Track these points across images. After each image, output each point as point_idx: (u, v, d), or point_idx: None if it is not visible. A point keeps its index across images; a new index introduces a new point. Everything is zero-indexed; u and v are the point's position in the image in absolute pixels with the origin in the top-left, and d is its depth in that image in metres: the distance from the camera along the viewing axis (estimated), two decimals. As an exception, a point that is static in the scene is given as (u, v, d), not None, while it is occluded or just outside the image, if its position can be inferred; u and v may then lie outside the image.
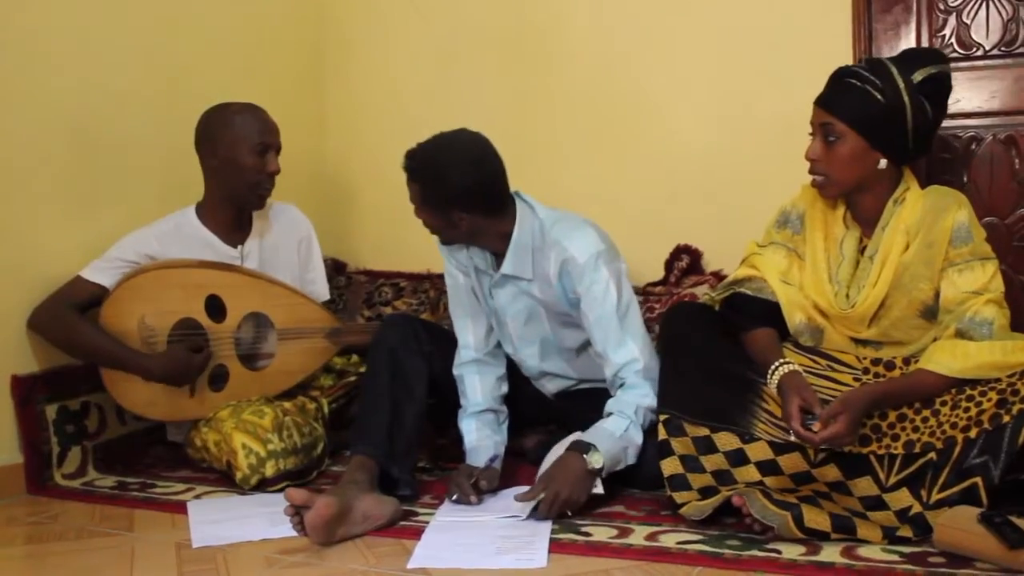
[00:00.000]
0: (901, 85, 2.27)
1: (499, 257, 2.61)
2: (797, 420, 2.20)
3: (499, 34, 3.52)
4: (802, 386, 2.26)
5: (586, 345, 2.67)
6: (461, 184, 2.47)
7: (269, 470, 2.61)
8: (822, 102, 2.34)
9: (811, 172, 2.36)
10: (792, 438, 2.24)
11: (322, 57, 3.82)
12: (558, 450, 2.44)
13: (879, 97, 2.26)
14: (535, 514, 2.32)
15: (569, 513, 2.32)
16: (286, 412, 2.75)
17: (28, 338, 2.77)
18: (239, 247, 2.93)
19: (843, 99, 2.29)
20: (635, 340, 2.50)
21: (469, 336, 2.70)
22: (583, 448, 2.37)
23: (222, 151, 2.82)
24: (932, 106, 2.31)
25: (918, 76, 2.29)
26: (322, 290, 3.08)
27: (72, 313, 2.74)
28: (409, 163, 2.52)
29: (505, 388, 2.72)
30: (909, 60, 2.34)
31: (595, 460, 2.36)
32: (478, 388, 2.66)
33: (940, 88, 2.33)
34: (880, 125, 2.27)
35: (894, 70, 2.29)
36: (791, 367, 2.31)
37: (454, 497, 2.44)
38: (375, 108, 3.76)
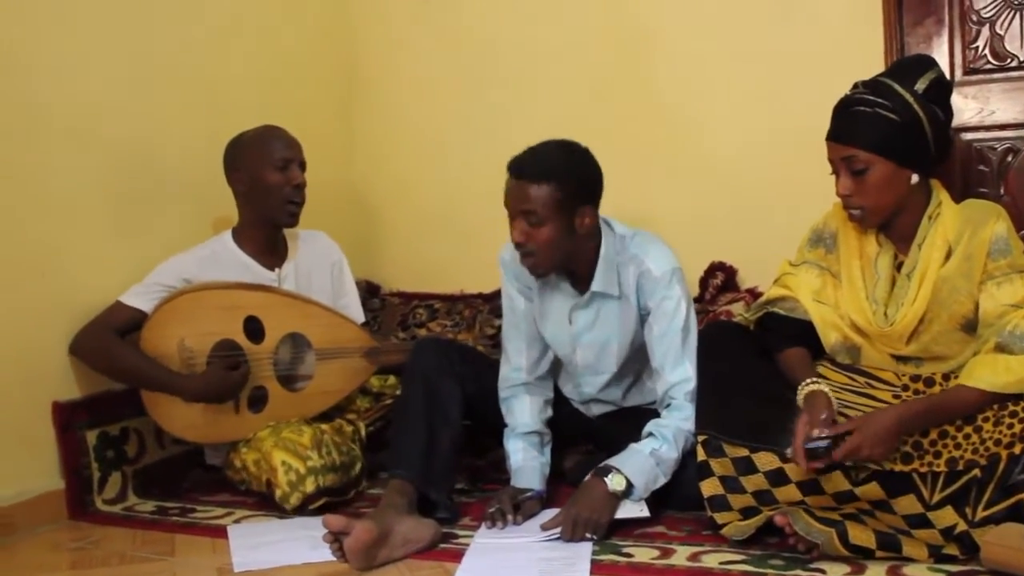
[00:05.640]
0: (910, 98, 2.25)
1: (578, 282, 2.59)
2: (800, 439, 2.17)
3: (526, 57, 3.53)
4: (817, 405, 2.24)
5: (642, 376, 2.68)
6: (595, 172, 2.49)
7: (309, 486, 2.62)
8: (837, 136, 2.30)
9: (847, 208, 2.34)
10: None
11: (351, 85, 3.85)
12: (587, 477, 2.45)
13: (894, 116, 2.23)
14: (560, 535, 2.34)
15: (594, 536, 2.32)
16: (324, 431, 2.76)
17: (70, 364, 2.80)
18: (276, 271, 2.96)
19: (859, 128, 2.26)
20: (691, 361, 2.51)
21: (522, 359, 2.69)
22: (605, 472, 2.39)
23: (247, 175, 2.87)
24: (940, 109, 2.29)
25: (921, 85, 2.27)
26: (356, 314, 3.09)
27: (112, 337, 2.77)
28: (539, 163, 2.43)
29: (550, 412, 2.71)
30: (904, 72, 2.32)
31: (616, 483, 2.37)
32: (527, 410, 2.66)
33: (943, 91, 2.32)
34: (903, 143, 2.25)
35: (897, 86, 2.26)
36: (815, 386, 2.29)
37: (488, 523, 2.44)
38: (402, 134, 3.79)
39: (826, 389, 2.29)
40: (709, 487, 2.30)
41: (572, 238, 2.48)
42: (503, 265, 2.69)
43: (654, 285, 2.53)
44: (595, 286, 2.56)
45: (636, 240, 2.59)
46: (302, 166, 2.92)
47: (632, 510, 2.40)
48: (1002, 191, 2.93)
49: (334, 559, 2.23)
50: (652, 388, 2.60)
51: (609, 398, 2.73)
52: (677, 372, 2.51)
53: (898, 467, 2.22)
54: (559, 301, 2.63)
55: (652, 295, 2.54)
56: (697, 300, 3.17)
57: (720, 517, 2.28)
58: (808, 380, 2.31)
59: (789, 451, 2.21)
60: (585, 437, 2.83)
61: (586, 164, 2.50)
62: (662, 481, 2.44)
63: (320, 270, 3.05)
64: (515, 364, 2.69)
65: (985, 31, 2.96)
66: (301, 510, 2.63)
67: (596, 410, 2.77)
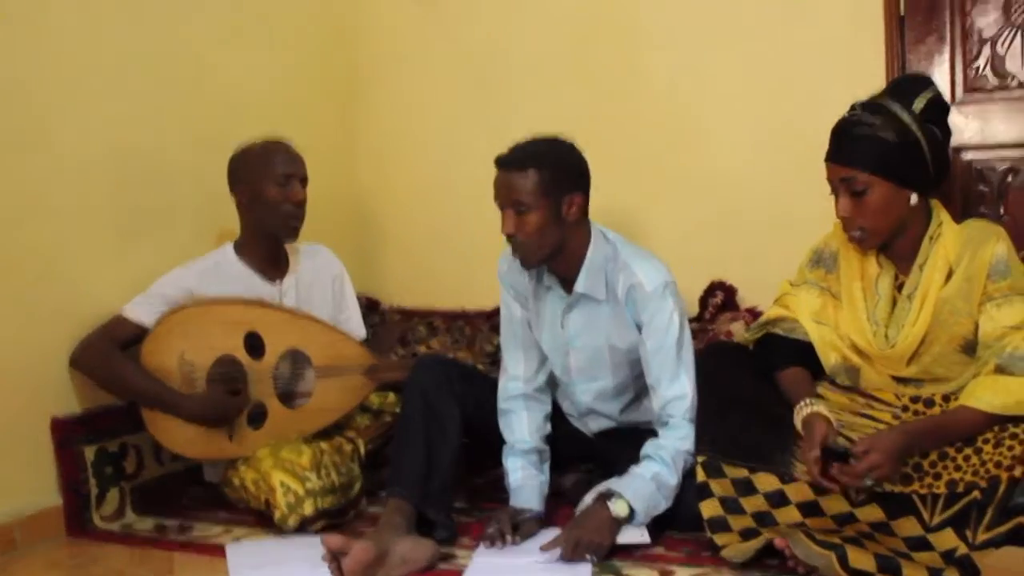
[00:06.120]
0: (907, 119, 2.25)
1: (567, 284, 2.59)
2: (816, 467, 2.18)
3: (531, 70, 3.54)
4: (816, 430, 2.24)
5: (641, 396, 2.67)
6: (579, 161, 2.53)
7: (307, 509, 2.62)
8: (836, 158, 2.30)
9: (847, 230, 2.34)
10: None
11: (353, 97, 3.85)
12: (587, 499, 2.45)
13: (892, 137, 2.24)
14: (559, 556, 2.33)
15: (594, 558, 2.31)
16: (323, 452, 2.75)
17: (69, 379, 2.80)
18: (277, 284, 2.96)
19: (857, 150, 2.26)
20: (688, 376, 2.50)
21: (520, 368, 2.69)
22: (607, 496, 2.39)
23: (248, 188, 2.87)
24: (938, 128, 2.30)
25: (919, 104, 2.27)
26: (357, 328, 3.09)
27: (113, 351, 2.76)
28: (522, 153, 2.50)
29: (549, 427, 2.71)
30: (901, 92, 2.32)
31: (619, 508, 2.37)
32: (525, 425, 2.65)
33: (941, 110, 2.32)
34: (901, 163, 2.25)
35: (895, 106, 2.27)
36: (811, 408, 2.29)
37: (486, 542, 2.43)
38: (405, 147, 3.78)
39: (823, 410, 2.29)
40: (709, 508, 2.30)
41: (560, 226, 2.49)
42: (500, 276, 2.70)
43: (646, 299, 2.52)
44: (578, 287, 2.56)
45: (628, 250, 2.59)
46: (303, 182, 2.92)
47: (633, 535, 2.39)
48: (1002, 211, 2.93)
49: (333, 579, 2.23)
50: (650, 408, 2.59)
51: (606, 411, 2.72)
52: (674, 387, 2.50)
53: (898, 488, 2.22)
54: (551, 306, 2.64)
55: (644, 309, 2.53)
56: (696, 319, 3.17)
57: (720, 538, 2.27)
58: (804, 401, 2.31)
59: (801, 474, 2.22)
60: (584, 457, 2.82)
61: (569, 152, 2.54)
62: (663, 507, 2.43)
63: (321, 284, 3.05)
64: (513, 374, 2.69)
65: (986, 50, 2.97)
66: (300, 531, 2.62)
67: (594, 425, 2.76)
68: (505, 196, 2.49)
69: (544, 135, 2.56)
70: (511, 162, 2.49)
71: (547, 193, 2.46)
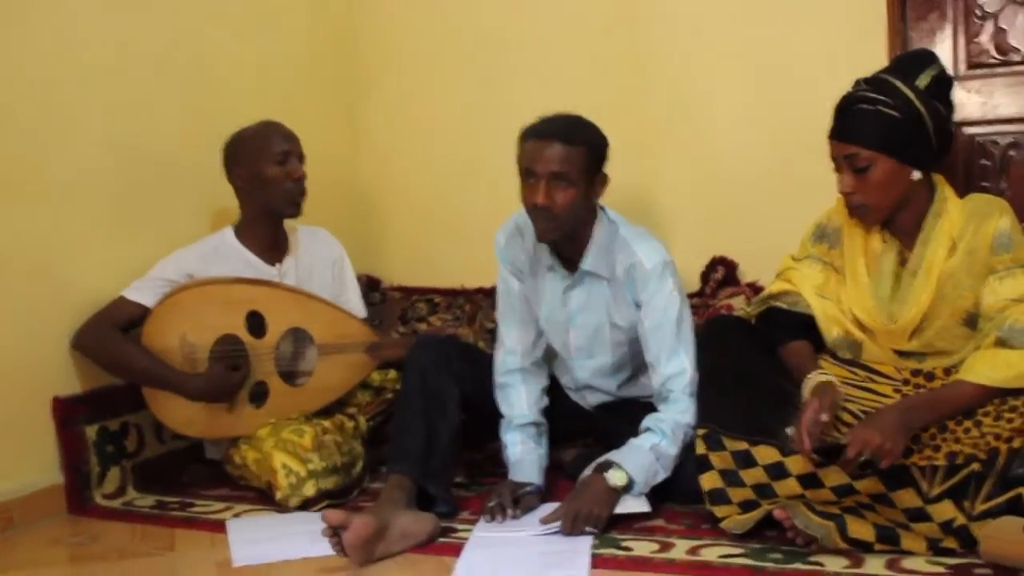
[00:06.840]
0: (911, 95, 2.24)
1: (569, 262, 2.59)
2: (806, 420, 2.16)
3: (531, 54, 3.53)
4: (828, 394, 2.23)
5: (638, 373, 2.67)
6: (607, 143, 2.51)
7: (309, 490, 2.62)
8: (839, 135, 2.30)
9: (849, 205, 2.33)
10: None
11: (354, 80, 3.84)
12: (586, 473, 2.46)
13: (895, 114, 2.23)
14: (559, 529, 2.34)
15: (594, 529, 2.32)
16: (325, 431, 2.76)
17: (70, 359, 2.80)
18: (277, 265, 2.96)
19: (861, 126, 2.26)
20: (687, 352, 2.50)
21: (516, 343, 2.69)
22: (605, 467, 2.40)
23: (246, 170, 2.87)
24: (942, 104, 2.29)
25: (923, 81, 2.26)
26: (358, 309, 3.09)
27: (115, 333, 2.77)
28: (569, 127, 2.44)
29: (546, 401, 2.71)
30: (905, 68, 2.31)
31: (617, 478, 2.38)
32: (523, 399, 2.65)
33: (944, 86, 2.31)
34: (905, 140, 2.24)
35: (898, 82, 2.26)
36: (826, 377, 2.29)
37: (487, 517, 2.43)
38: (405, 129, 3.78)
39: (835, 380, 2.29)
40: (708, 480, 2.30)
41: (586, 205, 2.49)
42: (497, 250, 2.69)
43: (646, 278, 2.52)
44: (585, 265, 2.55)
45: (627, 230, 2.59)
46: (301, 158, 2.92)
47: (633, 505, 2.39)
48: (1004, 185, 2.92)
49: (333, 553, 2.23)
50: (648, 384, 2.59)
51: (603, 386, 2.72)
52: (672, 364, 2.50)
53: (897, 460, 2.21)
54: (552, 285, 2.63)
55: (644, 288, 2.53)
56: (698, 294, 3.17)
57: (719, 511, 2.27)
58: (816, 372, 2.31)
59: (790, 429, 2.21)
60: (584, 432, 2.82)
61: (600, 132, 2.52)
62: (662, 476, 2.44)
63: (321, 266, 3.05)
64: (509, 347, 2.69)
65: (989, 25, 2.96)
66: (302, 511, 2.63)
67: (592, 399, 2.77)
68: (548, 167, 2.40)
69: (570, 114, 2.51)
70: (559, 134, 2.41)
71: (589, 170, 2.45)
